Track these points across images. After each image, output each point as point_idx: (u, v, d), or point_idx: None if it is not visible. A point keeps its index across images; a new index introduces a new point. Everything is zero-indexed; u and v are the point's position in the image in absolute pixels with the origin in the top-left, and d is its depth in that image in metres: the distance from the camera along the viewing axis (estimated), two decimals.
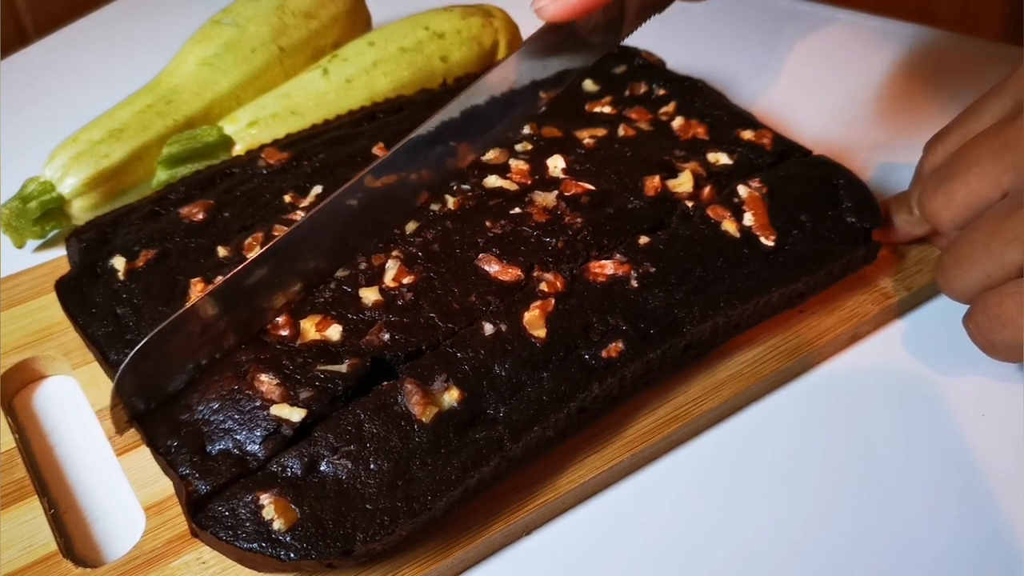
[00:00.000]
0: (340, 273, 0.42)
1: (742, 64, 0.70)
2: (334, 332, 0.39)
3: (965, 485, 0.41)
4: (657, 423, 0.42)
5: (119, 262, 0.44)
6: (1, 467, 0.41)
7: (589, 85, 0.56)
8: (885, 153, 0.60)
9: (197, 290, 0.42)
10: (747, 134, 0.52)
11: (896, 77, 0.69)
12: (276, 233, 0.44)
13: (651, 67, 0.58)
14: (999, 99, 0.44)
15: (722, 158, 0.49)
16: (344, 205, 0.41)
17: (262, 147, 0.52)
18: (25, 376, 0.46)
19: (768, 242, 0.45)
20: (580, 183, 0.46)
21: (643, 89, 0.55)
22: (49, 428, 0.44)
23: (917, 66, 0.70)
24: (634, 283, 0.42)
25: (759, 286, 0.43)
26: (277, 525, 0.33)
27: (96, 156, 0.54)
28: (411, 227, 0.44)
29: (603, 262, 0.42)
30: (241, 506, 0.34)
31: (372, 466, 0.35)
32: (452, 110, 0.42)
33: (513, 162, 0.48)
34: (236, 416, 0.37)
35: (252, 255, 0.41)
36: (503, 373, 0.38)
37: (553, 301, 0.40)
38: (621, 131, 0.51)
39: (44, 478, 0.41)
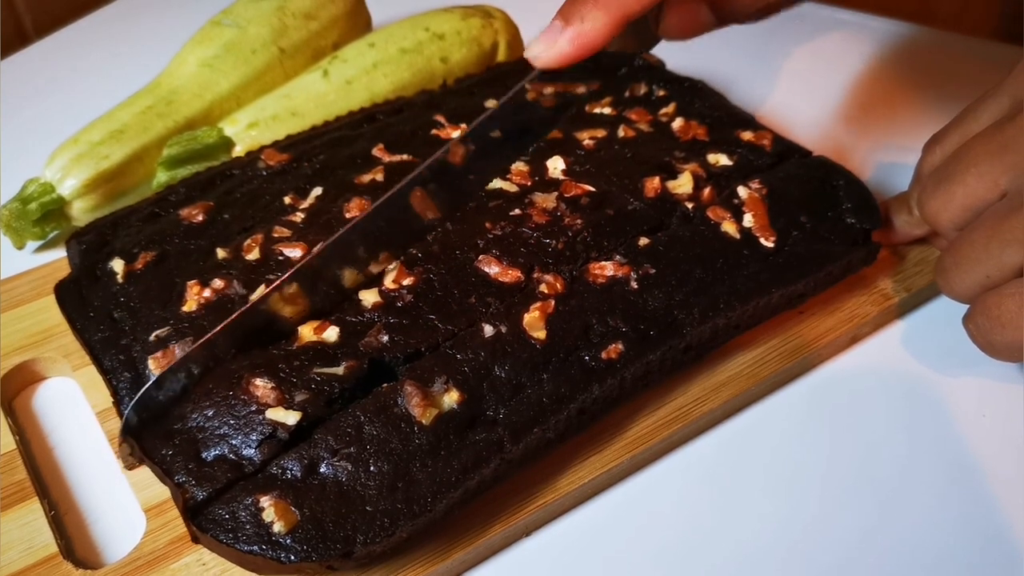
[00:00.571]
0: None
1: (742, 65, 0.70)
2: (331, 334, 0.39)
3: (965, 486, 0.41)
4: (657, 424, 0.42)
5: (118, 264, 0.44)
6: (1, 469, 0.41)
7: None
8: (885, 153, 0.60)
9: (193, 293, 0.42)
10: (747, 135, 0.51)
11: (896, 77, 0.69)
12: (276, 235, 0.44)
13: (651, 68, 0.58)
14: (997, 100, 0.44)
15: (722, 159, 0.49)
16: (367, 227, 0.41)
17: (262, 148, 0.51)
18: (25, 378, 0.46)
19: (768, 243, 0.45)
20: (580, 184, 0.46)
21: (643, 90, 0.55)
22: (49, 430, 0.44)
23: (916, 66, 0.70)
24: (634, 284, 0.42)
25: (759, 287, 0.43)
26: (277, 527, 0.33)
27: (96, 157, 0.54)
28: None
29: (603, 263, 0.42)
30: (241, 509, 0.34)
31: (372, 468, 0.35)
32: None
33: (513, 163, 0.48)
34: (231, 421, 0.36)
35: (258, 293, 0.41)
36: (503, 375, 0.38)
37: (553, 302, 0.40)
38: (621, 132, 0.51)
39: (44, 480, 0.42)
